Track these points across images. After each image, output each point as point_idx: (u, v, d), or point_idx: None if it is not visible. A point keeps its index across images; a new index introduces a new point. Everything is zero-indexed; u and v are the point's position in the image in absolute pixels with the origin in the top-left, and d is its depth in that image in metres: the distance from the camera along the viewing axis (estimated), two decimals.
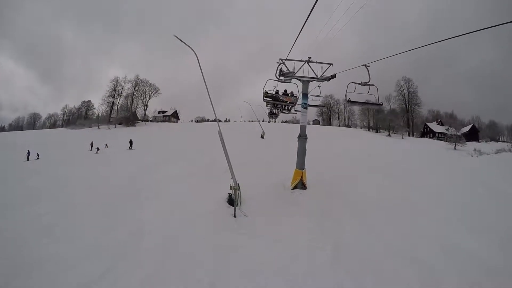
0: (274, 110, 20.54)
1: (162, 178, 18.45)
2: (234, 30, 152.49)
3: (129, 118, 73.88)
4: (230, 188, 13.10)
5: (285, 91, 16.57)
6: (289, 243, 9.82)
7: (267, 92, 15.43)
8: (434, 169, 25.72)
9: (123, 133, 58.01)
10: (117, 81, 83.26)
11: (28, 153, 32.07)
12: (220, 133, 12.10)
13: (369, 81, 13.70)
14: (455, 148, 50.22)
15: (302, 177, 15.57)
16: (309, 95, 15.50)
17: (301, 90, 15.63)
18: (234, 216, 11.91)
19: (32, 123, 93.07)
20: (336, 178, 18.99)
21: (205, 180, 17.46)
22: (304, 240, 10.00)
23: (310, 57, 15.59)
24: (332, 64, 15.76)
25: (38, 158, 31.68)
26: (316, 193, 15.25)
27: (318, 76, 15.71)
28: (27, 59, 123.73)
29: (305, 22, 9.33)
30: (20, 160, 30.91)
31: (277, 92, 15.75)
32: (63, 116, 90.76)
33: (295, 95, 16.36)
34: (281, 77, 15.65)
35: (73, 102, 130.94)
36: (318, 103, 17.95)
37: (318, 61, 15.74)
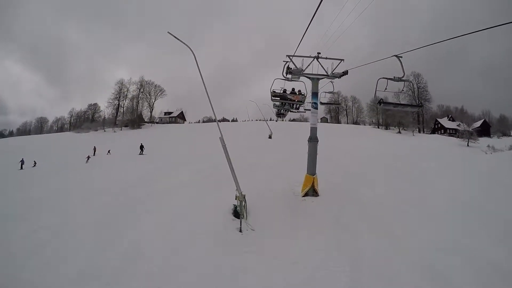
0: (282, 110, 19.68)
1: (165, 187, 17.34)
2: (241, 25, 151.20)
3: (135, 121, 73.26)
4: (236, 198, 11.94)
5: (293, 89, 15.73)
6: (302, 262, 8.68)
7: (274, 91, 14.78)
8: (451, 169, 24.53)
9: (129, 136, 57.51)
10: (122, 83, 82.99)
11: (22, 162, 30.60)
12: (222, 139, 10.94)
13: (403, 76, 11.67)
14: (468, 145, 48.87)
15: (313, 183, 14.38)
16: (321, 92, 14.70)
17: (311, 88, 14.45)
18: (240, 231, 10.76)
19: (40, 127, 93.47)
20: (350, 181, 17.83)
21: (209, 187, 16.33)
22: (319, 259, 8.85)
23: (320, 53, 14.39)
24: (343, 60, 14.59)
25: (34, 166, 30.66)
26: (330, 200, 14.07)
27: (329, 73, 14.52)
28: (33, 61, 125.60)
29: (313, 16, 8.52)
30: (14, 168, 29.96)
31: (284, 91, 15.08)
32: (70, 120, 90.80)
33: (303, 93, 15.60)
34: (289, 75, 14.55)
35: (81, 104, 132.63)
36: (330, 100, 16.76)
37: (328, 57, 14.52)
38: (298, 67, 14.07)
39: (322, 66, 14.49)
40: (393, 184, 18.16)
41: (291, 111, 19.57)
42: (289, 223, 11.62)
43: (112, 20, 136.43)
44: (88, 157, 31.32)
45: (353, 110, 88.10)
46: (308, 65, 14.34)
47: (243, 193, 11.94)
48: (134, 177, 20.58)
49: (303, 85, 14.93)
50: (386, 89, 11.46)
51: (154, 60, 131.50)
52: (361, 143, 37.89)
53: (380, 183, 18.09)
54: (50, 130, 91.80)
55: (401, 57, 11.69)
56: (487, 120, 73.84)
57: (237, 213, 11.83)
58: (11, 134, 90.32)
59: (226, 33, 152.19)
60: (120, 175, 21.70)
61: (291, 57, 14.11)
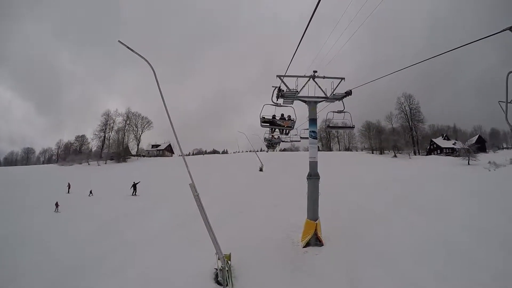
0: (271, 136, 19.43)
1: (135, 238, 14.36)
2: (236, 52, 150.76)
3: (120, 154, 70.06)
4: (218, 259, 9.08)
5: (282, 115, 14.42)
6: None
7: (264, 117, 13.66)
8: (461, 193, 21.93)
9: (113, 170, 54.27)
10: (108, 114, 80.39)
11: None
12: (193, 187, 8.30)
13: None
14: (468, 163, 47.07)
15: (316, 230, 11.59)
16: (328, 112, 13.41)
17: (308, 114, 12.04)
18: None
19: (26, 158, 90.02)
20: (357, 220, 15.06)
21: (188, 239, 13.32)
22: None
23: (316, 71, 12.07)
24: (343, 78, 12.36)
25: None
26: (338, 251, 11.25)
27: (328, 95, 12.16)
28: (24, 88, 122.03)
29: (304, 32, 7.49)
30: None
31: (274, 117, 14.02)
32: (58, 151, 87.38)
33: (292, 118, 14.45)
34: (280, 99, 12.22)
35: (71, 134, 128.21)
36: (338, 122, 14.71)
37: (326, 75, 12.20)
38: (291, 89, 11.67)
39: (319, 86, 12.17)
40: (407, 218, 15.59)
41: (282, 141, 19.26)
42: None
43: (105, 48, 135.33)
44: (57, 205, 22.95)
45: (345, 136, 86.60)
46: (303, 86, 12.00)
47: (227, 254, 9.18)
48: (98, 223, 17.51)
49: (292, 111, 13.88)
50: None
51: (146, 90, 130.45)
52: (359, 171, 35.35)
53: (392, 219, 15.48)
54: (37, 161, 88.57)
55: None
56: (481, 135, 72.53)
57: (219, 281, 8.93)
58: None
59: (221, 60, 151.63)
60: (89, 220, 18.55)
61: (282, 78, 11.75)
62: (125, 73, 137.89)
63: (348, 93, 11.99)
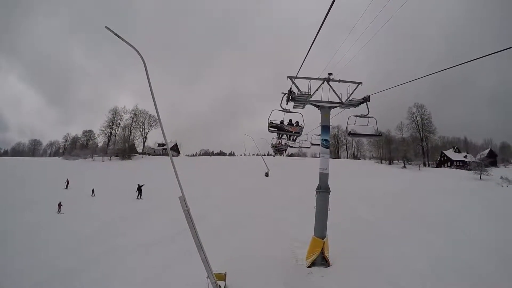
0: (279, 142, 19.08)
1: (126, 244, 13.40)
2: (251, 55, 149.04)
3: (125, 151, 69.39)
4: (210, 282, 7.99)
5: (290, 120, 13.95)
6: None
7: (272, 122, 13.11)
8: (474, 209, 21.03)
9: (116, 167, 53.58)
10: (115, 111, 79.71)
11: None
12: (183, 200, 7.27)
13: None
14: (480, 178, 45.14)
15: (323, 248, 10.46)
16: (352, 116, 11.79)
17: (320, 120, 10.93)
18: None
19: (32, 150, 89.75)
20: (367, 238, 13.91)
21: (182, 251, 12.25)
22: None
23: (331, 74, 10.97)
24: (361, 83, 11.26)
25: None
26: (345, 273, 10.19)
27: (343, 101, 11.04)
28: (36, 80, 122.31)
29: (317, 32, 6.79)
30: None
31: (282, 122, 13.46)
32: (65, 145, 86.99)
33: (300, 124, 13.78)
34: (291, 102, 11.16)
35: (80, 128, 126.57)
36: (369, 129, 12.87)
37: (342, 79, 11.11)
38: (303, 92, 10.58)
39: (334, 91, 11.07)
40: (417, 236, 14.70)
41: (289, 146, 18.80)
42: None
43: (119, 45, 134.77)
44: (60, 206, 21.51)
45: (353, 144, 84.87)
46: (316, 89, 10.91)
47: (222, 273, 8.13)
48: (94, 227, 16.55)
49: (301, 117, 13.24)
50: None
51: (158, 89, 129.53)
52: (369, 182, 33.83)
53: (402, 237, 14.41)
54: (43, 154, 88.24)
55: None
56: (492, 149, 70.24)
57: None
58: (5, 153, 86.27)
59: (234, 62, 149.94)
60: (79, 225, 17.55)
61: (293, 79, 10.66)
62: (136, 70, 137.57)
63: (366, 99, 10.89)
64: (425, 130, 73.04)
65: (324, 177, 10.65)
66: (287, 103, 11.31)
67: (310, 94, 10.58)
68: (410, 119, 73.33)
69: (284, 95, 12.13)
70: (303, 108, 11.74)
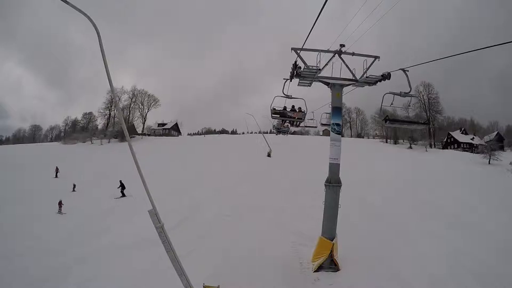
0: (281, 129, 18.98)
1: (105, 246, 12.03)
2: (257, 29, 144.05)
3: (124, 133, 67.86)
4: None
5: (293, 106, 13.69)
6: None
7: (274, 108, 12.93)
8: (487, 199, 19.95)
9: (114, 150, 52.05)
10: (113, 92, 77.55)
11: None
12: (154, 216, 5.72)
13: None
14: (489, 163, 43.47)
15: (331, 250, 9.00)
16: (388, 93, 9.64)
17: (330, 101, 9.21)
18: None
19: (32, 135, 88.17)
20: (379, 235, 12.43)
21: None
22: None
23: (343, 45, 9.16)
24: (378, 57, 9.46)
25: None
26: (356, 279, 8.81)
27: (358, 78, 9.29)
28: (34, 63, 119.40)
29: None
30: None
31: (285, 108, 13.37)
32: (65, 128, 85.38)
33: (303, 110, 13.50)
34: (296, 79, 9.42)
35: (83, 110, 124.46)
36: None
37: (355, 52, 9.31)
38: (312, 66, 8.79)
39: (347, 66, 9.30)
40: (435, 232, 13.42)
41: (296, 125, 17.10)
42: None
43: (119, 20, 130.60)
44: (60, 205, 18.69)
45: (357, 122, 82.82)
46: (326, 64, 9.15)
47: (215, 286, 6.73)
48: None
49: (303, 103, 12.72)
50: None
51: (161, 66, 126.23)
52: (377, 164, 32.10)
53: (418, 233, 13.21)
54: (44, 139, 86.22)
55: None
56: (500, 132, 68.19)
57: None
58: (7, 140, 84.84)
59: (241, 36, 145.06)
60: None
61: (299, 51, 8.86)
62: (138, 48, 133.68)
63: (386, 76, 9.11)
64: (433, 109, 70.67)
65: (334, 168, 9.05)
66: (291, 80, 9.61)
67: (319, 69, 8.79)
68: (417, 98, 70.75)
69: (286, 80, 11.59)
70: (309, 86, 10.03)
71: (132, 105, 77.66)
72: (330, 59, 9.09)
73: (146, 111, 78.67)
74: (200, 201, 16.75)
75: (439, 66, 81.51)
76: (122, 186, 21.71)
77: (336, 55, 9.17)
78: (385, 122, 10.43)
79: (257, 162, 31.33)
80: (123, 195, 21.38)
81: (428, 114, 70.78)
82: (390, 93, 9.74)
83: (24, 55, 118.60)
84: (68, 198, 20.49)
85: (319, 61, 8.62)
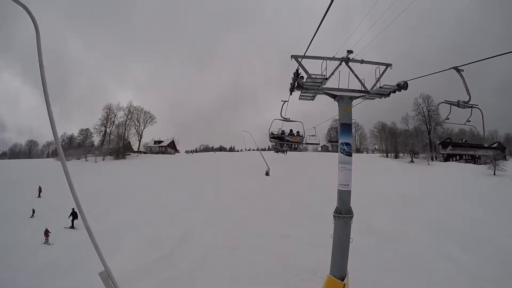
0: (279, 150, 18.82)
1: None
2: (257, 41, 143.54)
3: (119, 150, 66.35)
4: None
5: (291, 130, 14.20)
6: None
7: (272, 133, 13.47)
8: (506, 220, 17.96)
9: (108, 168, 50.69)
10: (109, 108, 76.48)
11: None
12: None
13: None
14: (494, 174, 42.15)
15: None
16: (443, 102, 7.66)
17: (339, 117, 7.89)
18: None
19: (28, 150, 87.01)
20: (392, 261, 11.06)
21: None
22: None
23: (351, 52, 7.90)
24: (390, 65, 8.21)
25: None
26: None
27: (368, 89, 8.01)
28: (33, 76, 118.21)
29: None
30: None
31: (283, 132, 13.86)
32: (62, 144, 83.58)
33: (301, 134, 13.98)
34: (297, 91, 8.13)
35: (80, 125, 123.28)
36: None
37: (365, 59, 8.06)
38: (316, 74, 7.47)
39: (356, 75, 8.02)
40: (450, 256, 12.39)
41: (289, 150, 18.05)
42: None
43: (118, 34, 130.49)
44: (47, 234, 16.82)
45: (356, 137, 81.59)
46: (332, 73, 7.88)
47: None
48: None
49: (301, 126, 13.15)
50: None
51: (159, 82, 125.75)
52: (380, 180, 30.68)
53: (432, 257, 12.15)
54: (40, 155, 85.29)
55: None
56: (501, 141, 67.00)
57: None
58: (4, 154, 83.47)
59: (240, 51, 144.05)
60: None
61: (300, 59, 7.57)
62: (137, 65, 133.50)
63: (402, 86, 7.77)
64: (432, 122, 69.75)
65: (345, 196, 7.62)
66: (291, 93, 8.26)
67: (326, 78, 7.46)
68: (416, 111, 70.02)
69: (284, 102, 11.84)
70: (312, 99, 8.70)
71: (127, 122, 76.35)
72: (336, 68, 7.82)
73: (142, 128, 77.40)
74: (192, 227, 15.25)
75: (437, 76, 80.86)
76: (73, 215, 18.93)
77: (343, 63, 7.90)
78: (445, 147, 8.35)
79: (255, 181, 29.78)
80: (72, 226, 18.93)
81: (428, 127, 69.94)
82: (446, 102, 7.86)
83: (22, 66, 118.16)
84: (20, 226, 18.72)
85: (325, 68, 7.32)
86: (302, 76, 7.48)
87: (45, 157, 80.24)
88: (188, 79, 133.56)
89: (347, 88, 7.92)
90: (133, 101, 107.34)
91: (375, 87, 8.08)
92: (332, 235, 7.82)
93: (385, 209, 19.11)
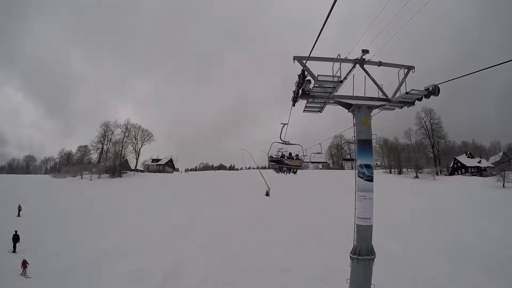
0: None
1: None
2: (255, 58, 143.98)
3: (115, 168, 64.53)
4: None
5: (290, 154, 14.26)
6: None
7: (271, 156, 13.63)
8: None
9: (104, 187, 48.82)
10: (107, 125, 75.08)
11: None
12: None
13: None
14: (503, 186, 40.55)
15: None
16: None
17: (356, 131, 6.35)
18: None
19: (26, 166, 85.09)
20: None
21: None
22: None
23: (367, 51, 6.42)
24: (413, 67, 6.75)
25: None
26: None
27: (390, 97, 6.53)
28: (34, 91, 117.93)
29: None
30: None
31: (282, 155, 13.91)
32: (60, 161, 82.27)
33: (299, 158, 14.02)
34: (303, 99, 6.55)
35: (81, 141, 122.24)
36: None
37: (383, 61, 6.60)
38: (323, 78, 5.91)
39: (373, 79, 6.53)
40: (472, 281, 11.21)
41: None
42: None
43: (120, 53, 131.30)
44: (25, 265, 14.27)
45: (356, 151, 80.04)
46: (345, 77, 6.37)
47: None
48: None
49: (301, 149, 13.33)
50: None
51: (160, 99, 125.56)
52: (385, 198, 28.70)
53: (453, 284, 10.91)
54: (38, 170, 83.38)
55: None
56: (505, 152, 65.39)
57: None
58: (2, 169, 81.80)
59: (239, 68, 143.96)
60: None
61: (304, 61, 6.06)
62: (138, 81, 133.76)
63: (432, 91, 6.21)
64: (435, 135, 68.29)
65: (365, 232, 6.00)
66: (293, 104, 6.72)
67: (341, 80, 5.88)
68: (418, 125, 68.62)
69: (284, 125, 11.88)
70: (320, 111, 7.16)
71: (125, 139, 74.76)
72: (349, 71, 6.31)
73: (140, 146, 75.75)
74: (185, 257, 13.47)
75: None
76: (15, 239, 17.57)
77: (357, 65, 6.42)
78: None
79: (254, 203, 27.89)
80: (14, 250, 17.36)
81: (431, 141, 68.43)
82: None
83: (22, 81, 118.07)
84: None
85: (338, 71, 5.79)
86: (309, 80, 5.94)
87: (43, 173, 78.72)
88: (189, 97, 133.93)
89: (363, 95, 6.41)
90: (134, 117, 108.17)
91: (397, 94, 6.56)
92: (349, 282, 6.17)
93: (397, 231, 17.50)
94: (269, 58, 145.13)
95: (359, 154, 6.21)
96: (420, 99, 6.66)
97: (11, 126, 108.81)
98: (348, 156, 79.62)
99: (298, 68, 6.09)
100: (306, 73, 5.80)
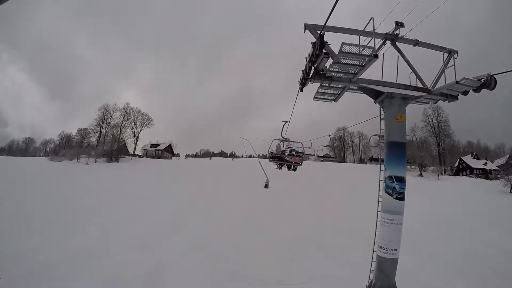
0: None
1: None
2: (265, 50, 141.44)
3: (112, 152, 63.08)
4: None
5: (291, 150, 14.01)
6: None
7: (272, 152, 13.35)
8: None
9: (99, 172, 47.19)
10: (106, 109, 73.39)
11: None
12: None
13: None
14: (511, 191, 39.14)
15: None
16: None
17: (386, 130, 4.77)
18: None
19: (25, 148, 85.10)
20: None
21: None
22: None
23: (402, 24, 4.79)
24: (456, 51, 5.08)
25: None
26: None
27: (429, 87, 4.93)
28: (38, 72, 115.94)
29: None
30: None
31: (283, 152, 13.61)
32: (59, 143, 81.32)
33: (300, 155, 13.93)
34: (316, 81, 4.89)
35: (82, 124, 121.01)
36: None
37: (420, 39, 4.99)
38: (347, 49, 4.30)
39: (408, 62, 4.93)
40: None
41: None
42: None
43: (127, 36, 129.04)
44: None
45: (360, 147, 78.67)
46: (377, 51, 4.74)
47: None
48: None
49: (301, 146, 13.47)
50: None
51: (165, 84, 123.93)
52: None
53: None
54: (37, 152, 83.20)
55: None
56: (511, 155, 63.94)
57: None
58: (2, 150, 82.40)
59: (246, 58, 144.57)
60: None
61: (320, 31, 4.44)
62: (144, 66, 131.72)
63: (487, 83, 4.63)
64: (442, 134, 66.47)
65: (388, 267, 4.49)
66: (301, 89, 5.10)
67: (375, 54, 4.22)
68: (425, 121, 66.80)
69: (285, 123, 11.94)
70: (335, 100, 5.57)
71: (123, 123, 73.21)
72: (379, 49, 4.71)
73: (139, 130, 74.32)
74: (167, 260, 11.98)
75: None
76: None
77: (388, 42, 4.83)
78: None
79: (251, 197, 26.24)
80: None
81: (437, 139, 66.64)
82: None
83: (26, 62, 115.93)
84: None
85: (368, 43, 4.21)
86: (327, 54, 4.33)
87: (41, 156, 77.82)
88: (195, 83, 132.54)
89: (395, 82, 4.83)
90: (137, 101, 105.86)
91: (437, 84, 4.98)
92: None
93: (403, 239, 15.86)
94: (281, 46, 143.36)
95: (388, 162, 4.65)
96: (466, 93, 5.07)
97: (13, 106, 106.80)
98: (351, 150, 78.72)
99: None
100: (325, 40, 4.17)
